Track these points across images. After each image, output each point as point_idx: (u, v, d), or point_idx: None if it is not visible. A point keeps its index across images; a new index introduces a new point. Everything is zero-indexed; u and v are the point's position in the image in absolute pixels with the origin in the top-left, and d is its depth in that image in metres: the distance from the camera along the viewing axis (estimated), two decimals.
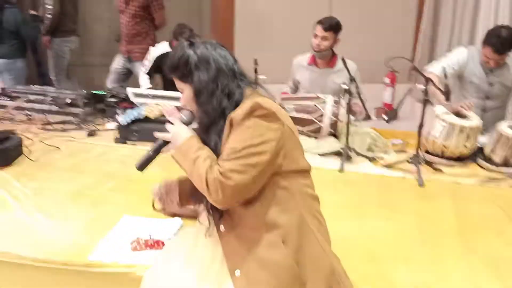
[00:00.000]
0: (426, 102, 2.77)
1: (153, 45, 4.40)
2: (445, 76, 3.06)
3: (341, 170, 2.89)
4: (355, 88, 3.25)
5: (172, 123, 1.62)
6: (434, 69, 3.28)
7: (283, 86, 3.97)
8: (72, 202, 2.38)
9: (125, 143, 3.36)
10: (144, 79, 4.03)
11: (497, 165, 2.99)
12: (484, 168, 3.03)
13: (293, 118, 3.27)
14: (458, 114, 3.07)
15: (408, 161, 2.89)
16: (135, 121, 3.37)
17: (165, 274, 1.59)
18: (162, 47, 4.00)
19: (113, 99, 3.96)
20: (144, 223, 2.15)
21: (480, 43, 3.33)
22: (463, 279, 1.82)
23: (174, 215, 2.23)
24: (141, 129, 3.36)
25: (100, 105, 3.94)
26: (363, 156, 3.10)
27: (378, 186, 2.74)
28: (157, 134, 1.64)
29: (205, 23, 5.92)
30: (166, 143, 1.61)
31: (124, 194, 2.48)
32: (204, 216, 1.59)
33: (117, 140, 3.38)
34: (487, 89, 3.32)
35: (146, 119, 3.36)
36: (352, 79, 2.97)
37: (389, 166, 2.99)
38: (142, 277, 1.70)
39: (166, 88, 4.05)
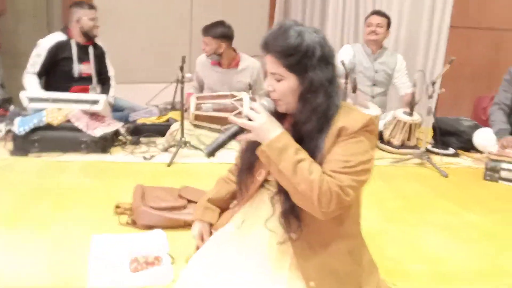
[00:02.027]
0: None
1: None
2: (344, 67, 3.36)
3: None
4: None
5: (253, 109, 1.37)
6: None
7: (150, 86, 3.93)
8: (12, 227, 2.01)
9: (27, 155, 2.91)
10: (32, 82, 3.40)
11: (396, 147, 3.40)
12: (386, 151, 3.43)
13: (213, 117, 3.33)
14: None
15: None
16: (35, 130, 2.94)
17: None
18: (54, 37, 3.46)
19: None
20: (123, 241, 1.94)
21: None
22: (427, 244, 2.13)
23: (149, 227, 2.06)
24: (43, 139, 2.95)
25: None
26: None
27: None
28: (235, 119, 1.38)
29: (55, 13, 5.28)
30: (242, 130, 1.38)
31: (67, 211, 2.20)
32: (272, 222, 1.45)
33: (15, 153, 2.91)
34: (373, 76, 3.75)
35: (49, 127, 2.96)
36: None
37: None
38: None
39: (47, 87, 3.55)
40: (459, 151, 3.50)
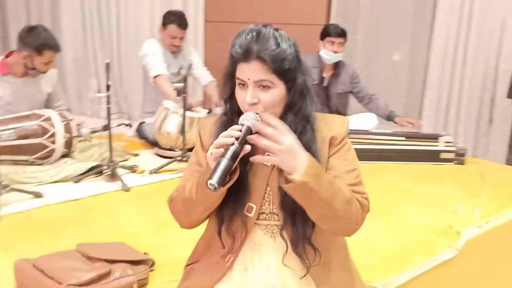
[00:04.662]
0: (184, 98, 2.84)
1: None
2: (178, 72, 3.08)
3: (126, 188, 2.54)
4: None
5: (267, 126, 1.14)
6: (160, 71, 3.30)
7: None
8: None
9: None
10: None
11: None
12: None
13: (17, 147, 2.56)
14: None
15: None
16: None
17: None
18: None
19: None
20: None
21: None
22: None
23: None
24: None
25: None
26: (125, 168, 2.80)
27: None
28: (257, 140, 1.13)
29: None
30: (241, 149, 1.13)
31: None
32: (290, 258, 1.30)
33: None
34: (178, 72, 3.43)
35: None
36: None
37: (154, 172, 2.84)
38: None
39: None
40: None
